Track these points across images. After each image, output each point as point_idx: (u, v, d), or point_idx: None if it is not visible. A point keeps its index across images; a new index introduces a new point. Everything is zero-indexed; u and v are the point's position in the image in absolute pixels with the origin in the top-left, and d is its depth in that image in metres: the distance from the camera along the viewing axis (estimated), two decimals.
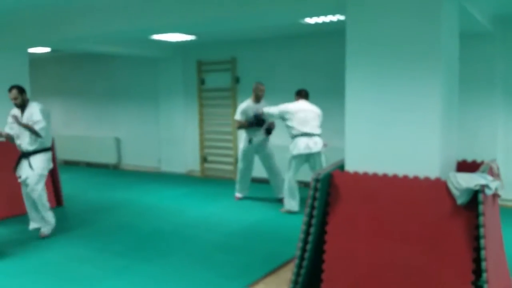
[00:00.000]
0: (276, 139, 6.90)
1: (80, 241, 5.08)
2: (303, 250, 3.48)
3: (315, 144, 5.83)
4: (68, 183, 7.53)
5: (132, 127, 9.95)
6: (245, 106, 6.52)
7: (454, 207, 3.12)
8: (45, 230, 5.23)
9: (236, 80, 8.41)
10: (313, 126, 5.91)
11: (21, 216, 5.73)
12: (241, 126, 6.58)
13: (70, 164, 10.52)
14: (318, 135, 5.93)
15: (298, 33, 7.37)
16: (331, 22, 6.04)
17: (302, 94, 6.18)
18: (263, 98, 6.57)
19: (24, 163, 5.15)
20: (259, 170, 7.03)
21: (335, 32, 6.82)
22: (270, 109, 6.14)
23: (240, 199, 6.93)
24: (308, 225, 3.44)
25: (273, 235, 5.25)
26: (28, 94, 6.67)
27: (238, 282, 3.93)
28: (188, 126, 9.16)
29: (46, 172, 5.26)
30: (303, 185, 6.64)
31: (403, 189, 3.31)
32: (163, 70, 9.24)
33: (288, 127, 5.95)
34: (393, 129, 3.43)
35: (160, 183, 8.32)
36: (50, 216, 5.26)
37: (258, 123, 6.43)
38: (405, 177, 3.33)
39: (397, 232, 3.31)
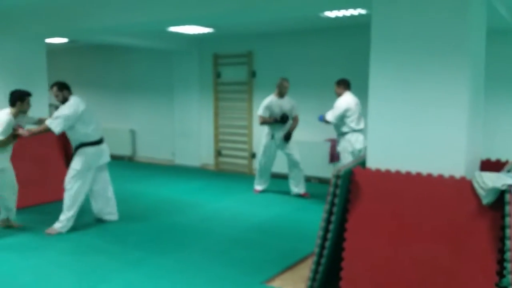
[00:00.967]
0: (301, 135, 6.84)
1: (95, 233, 5.08)
2: (322, 247, 3.44)
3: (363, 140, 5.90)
4: None
5: (147, 120, 9.97)
6: (269, 101, 6.49)
7: (479, 207, 3.06)
8: (56, 226, 5.03)
9: (253, 74, 8.36)
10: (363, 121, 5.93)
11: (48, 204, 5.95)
12: (264, 121, 6.55)
13: None
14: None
15: (314, 27, 7.28)
16: (351, 16, 5.95)
17: (347, 85, 6.02)
18: (286, 94, 6.54)
19: None
20: (279, 166, 7.01)
21: (353, 26, 6.78)
22: (333, 117, 5.92)
23: (259, 192, 6.91)
24: (328, 222, 3.39)
25: (290, 230, 5.21)
26: (44, 84, 6.73)
27: (254, 277, 3.90)
28: (202, 119, 9.15)
29: (79, 168, 5.01)
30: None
31: (426, 188, 3.25)
32: (179, 63, 9.21)
33: (343, 124, 5.89)
34: (417, 126, 3.36)
35: (175, 176, 8.32)
36: (65, 217, 5.00)
37: (282, 120, 6.45)
38: (429, 176, 3.27)
39: (420, 232, 3.25)
